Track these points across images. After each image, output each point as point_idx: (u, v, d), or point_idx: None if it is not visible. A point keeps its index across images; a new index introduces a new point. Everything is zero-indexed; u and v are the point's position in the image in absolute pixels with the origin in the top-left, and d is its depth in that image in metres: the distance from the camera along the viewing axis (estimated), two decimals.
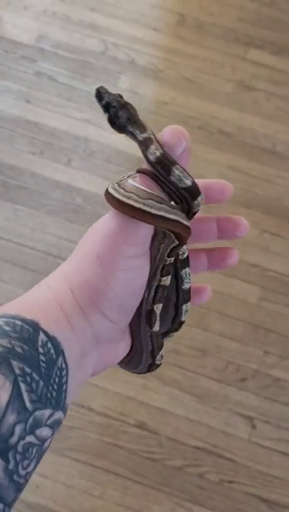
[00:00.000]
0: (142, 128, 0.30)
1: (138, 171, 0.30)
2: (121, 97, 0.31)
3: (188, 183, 0.29)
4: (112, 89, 0.31)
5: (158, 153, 0.29)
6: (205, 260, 0.35)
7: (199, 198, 0.30)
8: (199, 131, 1.23)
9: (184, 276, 0.33)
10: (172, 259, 0.31)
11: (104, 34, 1.32)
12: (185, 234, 0.30)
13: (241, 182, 1.16)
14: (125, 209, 0.29)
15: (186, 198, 0.30)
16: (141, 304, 0.32)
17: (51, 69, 1.28)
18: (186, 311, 0.35)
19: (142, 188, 0.29)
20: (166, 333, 0.36)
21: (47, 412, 0.25)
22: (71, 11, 1.34)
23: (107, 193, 0.30)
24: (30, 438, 0.24)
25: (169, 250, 0.30)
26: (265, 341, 1.05)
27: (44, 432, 0.25)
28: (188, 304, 0.35)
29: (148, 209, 0.28)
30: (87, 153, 1.19)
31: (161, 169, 0.29)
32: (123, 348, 0.33)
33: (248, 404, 1.00)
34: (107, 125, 0.31)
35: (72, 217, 1.14)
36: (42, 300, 0.29)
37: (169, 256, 0.31)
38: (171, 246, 0.30)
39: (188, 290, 0.34)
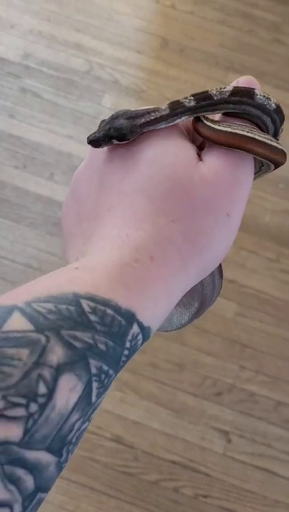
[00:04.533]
0: (154, 107, 0.27)
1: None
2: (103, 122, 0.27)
3: (275, 103, 0.27)
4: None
5: (228, 88, 0.27)
6: None
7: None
8: None
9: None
10: None
11: (89, 54, 1.35)
12: (285, 161, 0.28)
13: None
14: (231, 138, 0.26)
15: (276, 120, 0.28)
16: None
17: (36, 86, 1.30)
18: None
19: (232, 120, 0.27)
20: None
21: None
22: (57, 31, 1.37)
23: (202, 125, 0.27)
24: (85, 425, 0.21)
25: (264, 174, 0.29)
26: (240, 356, 1.07)
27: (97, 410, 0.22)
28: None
29: (256, 137, 0.26)
30: (70, 168, 1.21)
31: (241, 98, 0.27)
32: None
33: (223, 418, 1.01)
34: None
35: (53, 231, 1.15)
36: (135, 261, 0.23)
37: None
38: (269, 171, 0.29)
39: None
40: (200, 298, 0.32)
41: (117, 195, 0.26)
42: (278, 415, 1.02)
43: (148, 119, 0.26)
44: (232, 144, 0.26)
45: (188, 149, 0.27)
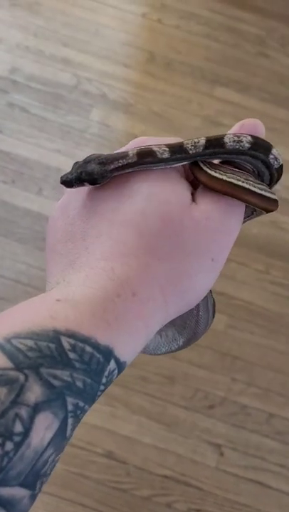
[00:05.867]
0: (122, 153, 0.27)
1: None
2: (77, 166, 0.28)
3: (281, 161, 0.28)
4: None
5: (202, 141, 0.27)
6: None
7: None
8: None
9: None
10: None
11: (76, 68, 1.36)
12: (276, 208, 0.29)
13: None
14: (226, 187, 0.26)
15: (274, 177, 0.29)
16: None
17: (24, 100, 1.30)
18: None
19: (231, 168, 0.28)
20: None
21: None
22: (44, 45, 1.38)
23: (198, 169, 0.27)
24: (59, 456, 0.21)
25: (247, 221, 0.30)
26: (232, 368, 1.07)
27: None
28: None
29: (251, 187, 0.27)
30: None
31: (214, 149, 0.27)
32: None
33: (215, 431, 1.01)
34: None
35: (42, 246, 1.15)
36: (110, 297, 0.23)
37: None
38: (255, 218, 0.30)
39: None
40: (190, 333, 0.33)
41: (108, 223, 0.26)
42: (270, 427, 1.02)
43: (117, 165, 0.27)
44: (226, 192, 0.26)
45: (183, 189, 0.27)
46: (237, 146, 0.27)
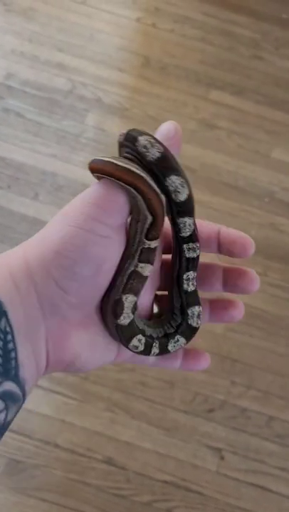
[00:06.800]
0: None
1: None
2: None
3: (157, 152, 0.28)
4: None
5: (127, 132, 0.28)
6: (207, 310, 0.33)
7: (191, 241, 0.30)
8: None
9: (186, 279, 0.31)
10: (152, 243, 0.29)
11: (71, 73, 1.36)
12: (158, 205, 0.28)
13: (205, 216, 1.20)
14: (108, 167, 0.27)
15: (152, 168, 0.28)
16: (112, 290, 0.30)
17: (19, 106, 1.30)
18: (195, 315, 0.33)
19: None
20: (170, 335, 0.33)
21: None
22: (39, 51, 1.38)
23: (92, 161, 0.29)
24: None
25: (146, 230, 0.29)
26: (231, 372, 1.06)
27: None
28: (197, 308, 0.32)
29: (131, 167, 0.27)
30: (55, 187, 1.21)
31: (127, 142, 0.28)
32: (82, 339, 0.29)
33: (215, 435, 1.00)
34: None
35: None
36: None
37: (147, 238, 0.29)
38: (147, 225, 0.29)
39: (194, 293, 0.32)
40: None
41: None
42: (270, 430, 1.02)
43: None
44: (107, 171, 0.28)
45: None
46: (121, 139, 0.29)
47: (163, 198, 0.29)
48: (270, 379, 1.06)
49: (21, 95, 1.32)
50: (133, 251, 0.29)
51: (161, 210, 0.29)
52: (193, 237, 0.31)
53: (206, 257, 0.33)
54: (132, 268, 0.29)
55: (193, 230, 0.30)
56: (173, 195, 0.29)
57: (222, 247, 0.32)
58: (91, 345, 0.30)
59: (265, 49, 1.45)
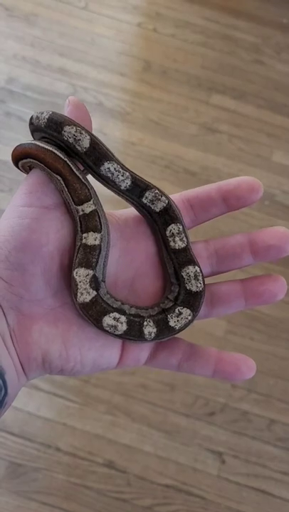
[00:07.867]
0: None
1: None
2: None
3: (84, 142, 0.27)
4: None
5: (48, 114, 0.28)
6: (241, 293, 0.29)
7: None
8: (166, 170, 1.27)
9: (169, 235, 0.28)
10: (83, 207, 0.27)
11: (73, 78, 1.37)
12: (55, 160, 0.26)
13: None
14: (20, 148, 0.28)
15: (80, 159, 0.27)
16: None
17: (20, 110, 1.31)
18: (192, 277, 0.28)
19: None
20: (169, 310, 0.29)
21: None
22: (41, 56, 1.39)
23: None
24: None
25: (69, 195, 0.27)
26: None
27: None
28: (191, 268, 0.28)
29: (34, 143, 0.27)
30: None
31: (51, 130, 0.27)
32: (47, 335, 0.27)
33: (216, 439, 1.00)
34: None
35: None
36: None
37: (76, 203, 0.27)
38: (65, 188, 0.27)
39: (184, 250, 0.28)
40: None
41: None
42: (271, 434, 1.01)
43: None
44: (21, 152, 0.28)
45: None
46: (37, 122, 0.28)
47: (59, 152, 0.27)
48: (271, 382, 1.06)
49: (23, 99, 1.32)
50: (77, 226, 0.27)
51: (64, 165, 0.26)
52: (147, 186, 0.28)
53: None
54: (78, 243, 0.27)
55: (140, 180, 0.28)
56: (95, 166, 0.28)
57: (228, 200, 0.28)
58: (66, 342, 0.27)
59: (265, 53, 1.46)
